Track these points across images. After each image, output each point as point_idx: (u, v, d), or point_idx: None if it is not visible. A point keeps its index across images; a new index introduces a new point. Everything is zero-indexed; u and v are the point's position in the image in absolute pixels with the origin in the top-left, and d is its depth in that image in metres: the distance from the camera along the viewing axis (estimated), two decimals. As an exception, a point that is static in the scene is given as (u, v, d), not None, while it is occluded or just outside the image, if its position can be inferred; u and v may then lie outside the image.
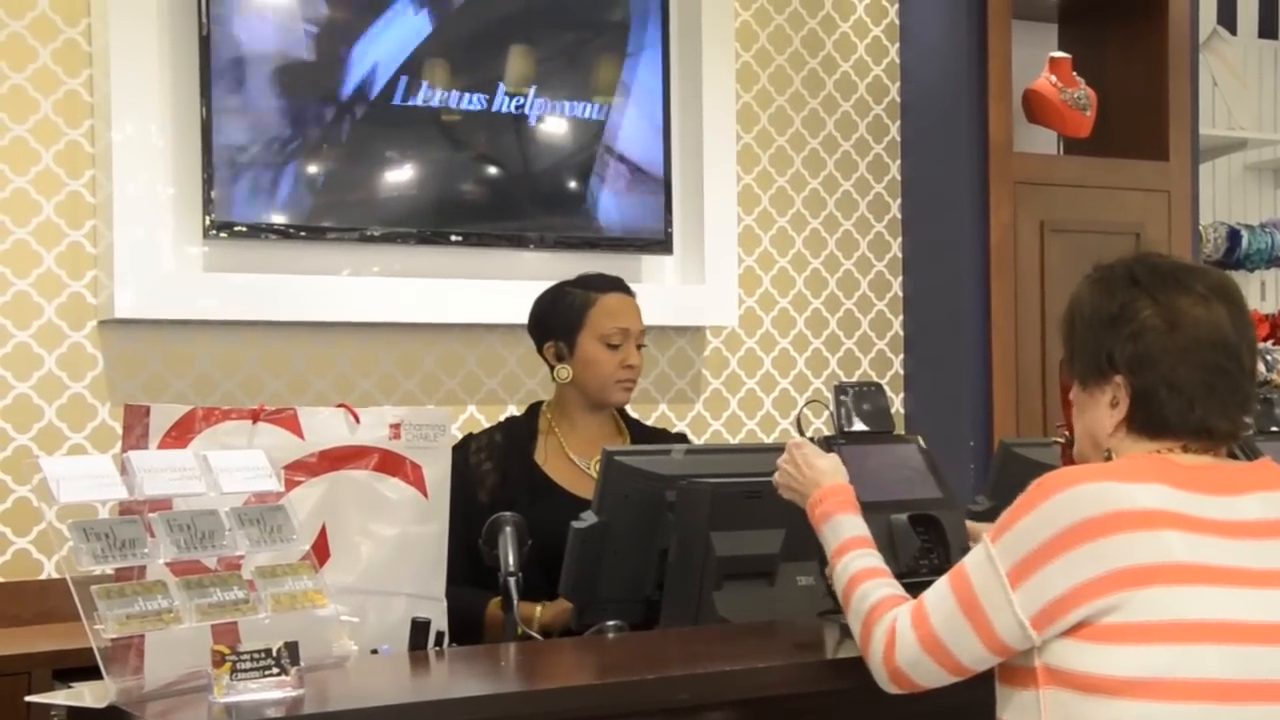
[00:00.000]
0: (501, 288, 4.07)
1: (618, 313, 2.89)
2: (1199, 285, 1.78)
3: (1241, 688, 1.64)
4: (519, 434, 2.91)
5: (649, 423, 4.24)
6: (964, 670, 1.78)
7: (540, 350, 2.96)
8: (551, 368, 2.92)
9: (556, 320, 2.91)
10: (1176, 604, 1.64)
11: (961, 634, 1.74)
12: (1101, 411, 1.81)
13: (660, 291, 4.30)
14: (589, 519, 2.46)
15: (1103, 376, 1.81)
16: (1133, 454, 1.78)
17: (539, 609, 2.57)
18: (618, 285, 2.95)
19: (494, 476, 2.82)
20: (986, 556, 1.73)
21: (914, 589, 1.92)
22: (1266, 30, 5.59)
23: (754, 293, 4.52)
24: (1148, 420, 1.78)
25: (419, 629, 2.26)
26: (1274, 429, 2.53)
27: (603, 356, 2.86)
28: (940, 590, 1.79)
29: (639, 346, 2.90)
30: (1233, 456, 1.84)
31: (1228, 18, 5.45)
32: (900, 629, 1.80)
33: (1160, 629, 1.64)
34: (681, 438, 3.15)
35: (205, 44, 3.69)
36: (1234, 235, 5.32)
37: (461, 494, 2.59)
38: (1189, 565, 1.66)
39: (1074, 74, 4.73)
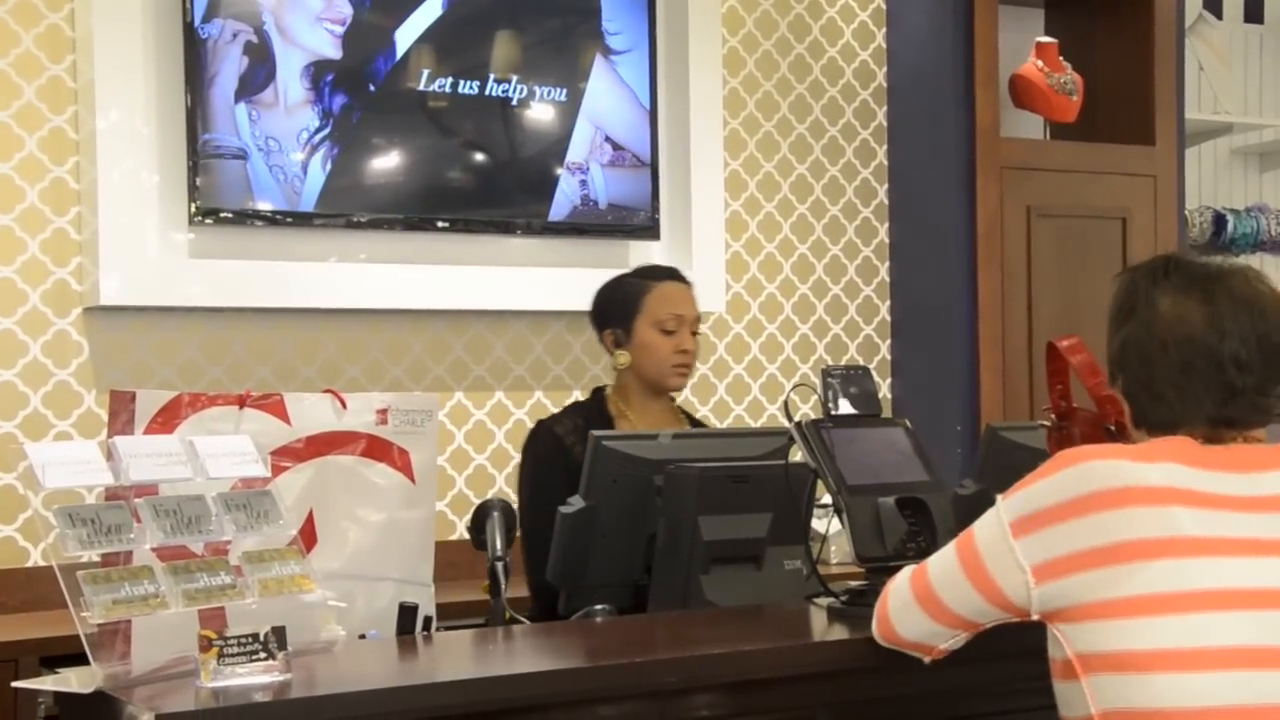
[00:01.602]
0: (489, 274, 4.06)
1: (672, 299, 3.01)
2: (1192, 285, 1.80)
3: (1271, 653, 1.65)
4: (596, 419, 2.97)
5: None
6: (952, 618, 1.81)
7: (600, 338, 3.08)
8: (611, 355, 3.04)
9: (614, 308, 3.04)
10: (1189, 575, 1.66)
11: (956, 582, 1.79)
12: (1126, 408, 1.87)
13: (647, 277, 4.30)
14: (577, 504, 2.46)
15: (1112, 378, 1.87)
16: (1157, 439, 1.81)
17: None
18: (673, 274, 3.09)
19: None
20: (994, 511, 1.78)
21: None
22: (1252, 15, 5.60)
23: (741, 278, 4.52)
24: (1136, 416, 1.83)
25: (406, 613, 2.26)
26: None
27: (657, 342, 2.97)
28: (945, 548, 1.85)
29: (694, 333, 3.02)
30: None
31: (1213, 2, 5.45)
32: (899, 580, 1.88)
33: (1176, 599, 1.65)
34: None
35: (190, 30, 3.67)
36: (1220, 219, 5.33)
37: (559, 481, 2.69)
38: (1198, 539, 1.67)
39: (1060, 59, 4.73)
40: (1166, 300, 1.79)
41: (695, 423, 3.15)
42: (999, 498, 1.79)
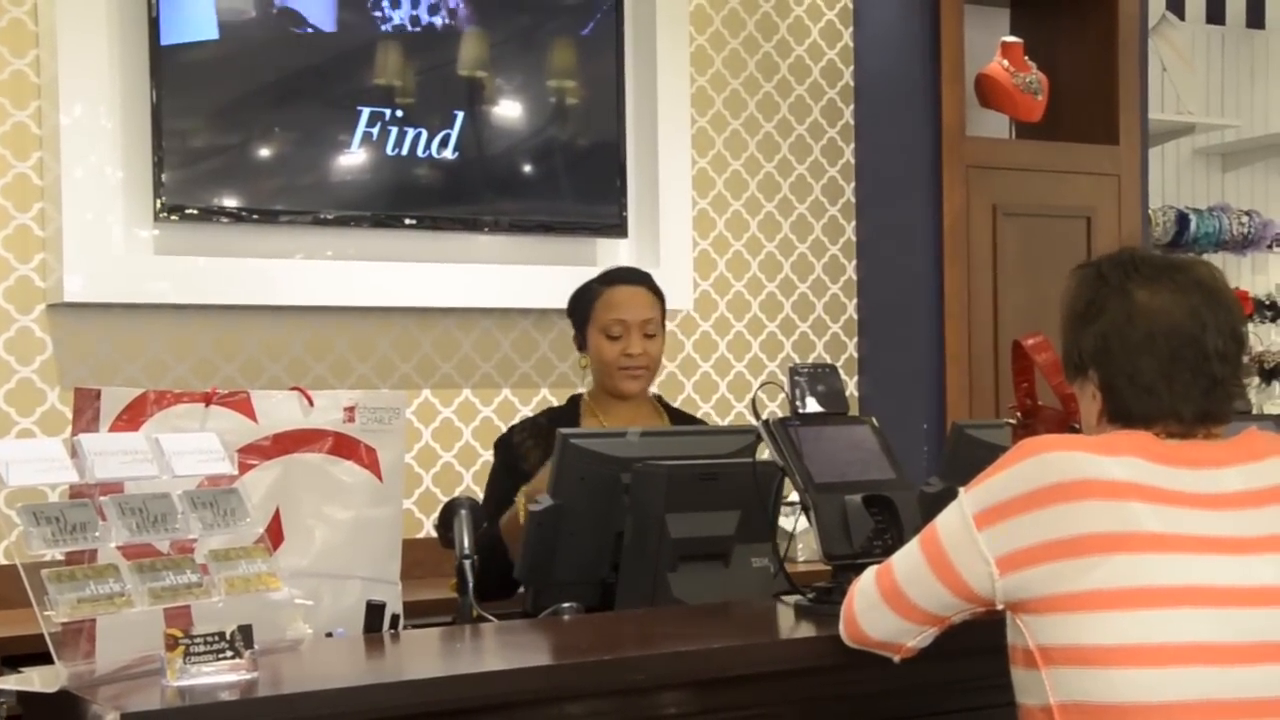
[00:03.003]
0: (456, 271, 4.05)
1: (617, 304, 3.03)
2: (1161, 276, 1.81)
3: (1228, 650, 1.66)
4: (561, 417, 3.03)
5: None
6: (919, 614, 1.81)
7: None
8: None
9: (575, 314, 3.10)
10: (1147, 570, 1.67)
11: (922, 577, 1.80)
12: (1087, 404, 1.86)
13: (615, 275, 4.30)
14: (544, 501, 2.46)
15: (1079, 371, 1.86)
16: (1117, 432, 1.81)
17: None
18: (625, 277, 3.12)
19: (536, 453, 2.92)
20: (956, 504, 1.79)
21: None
22: (1214, 15, 5.64)
23: (709, 276, 4.52)
24: (1116, 411, 1.82)
25: (374, 612, 2.26)
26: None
27: (604, 347, 3.02)
28: (908, 545, 1.85)
29: (649, 336, 3.03)
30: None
31: (1176, 3, 5.50)
32: (864, 580, 1.89)
33: (1134, 594, 1.66)
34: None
35: (154, 25, 3.65)
36: (1182, 219, 5.37)
37: (507, 473, 2.85)
38: (1158, 534, 1.68)
39: (1026, 58, 4.75)
40: (1143, 293, 1.79)
41: (678, 415, 3.16)
42: (961, 490, 1.80)
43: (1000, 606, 1.76)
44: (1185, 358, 1.77)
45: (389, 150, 3.97)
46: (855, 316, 4.77)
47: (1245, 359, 1.84)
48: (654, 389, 4.46)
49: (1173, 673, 1.65)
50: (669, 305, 4.36)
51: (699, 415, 4.47)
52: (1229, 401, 1.80)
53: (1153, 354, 1.78)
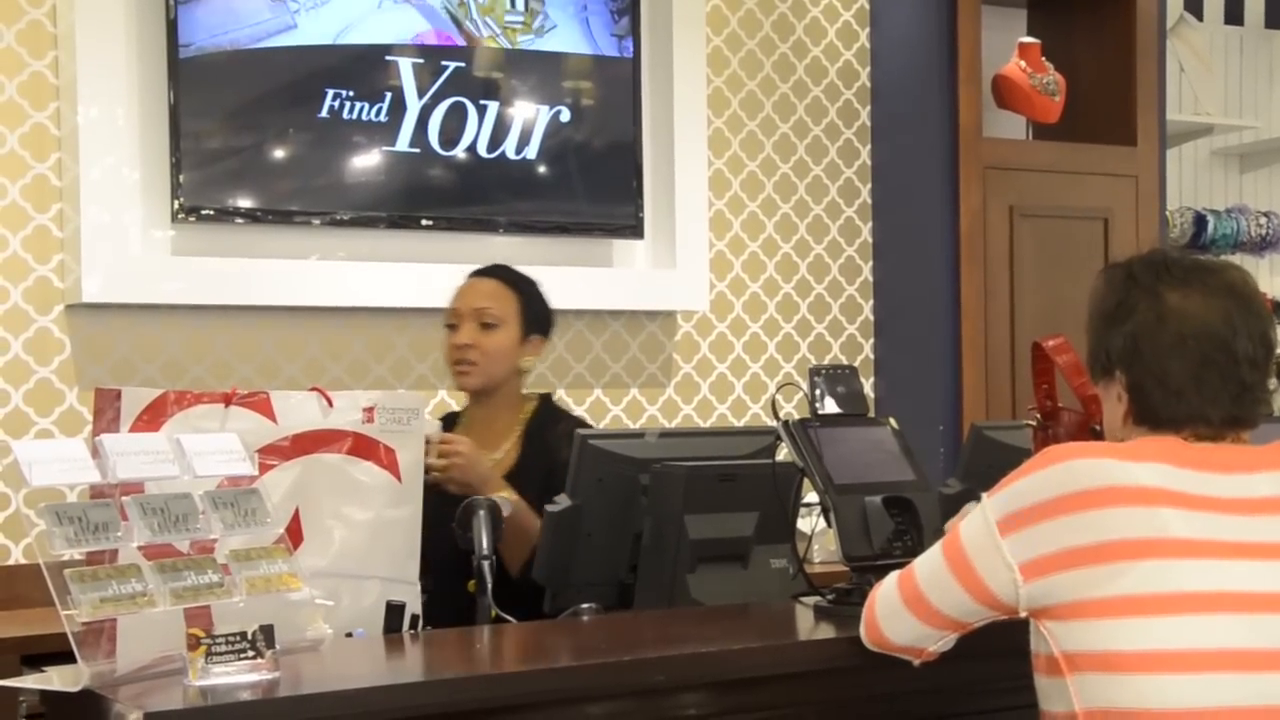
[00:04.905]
0: (472, 272, 4.05)
1: (454, 296, 2.94)
2: (1192, 279, 1.80)
3: (1258, 656, 1.66)
4: (445, 428, 2.98)
5: (619, 407, 4.24)
6: (941, 619, 1.81)
7: None
8: None
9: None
10: (1176, 576, 1.66)
11: (944, 583, 1.79)
12: (1112, 405, 1.85)
13: (631, 276, 4.30)
14: (563, 502, 2.46)
15: (1106, 372, 1.85)
16: (1144, 438, 1.80)
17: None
18: (478, 270, 2.99)
19: None
20: (979, 509, 1.78)
21: (888, 571, 1.94)
22: (1232, 16, 5.63)
23: (725, 277, 4.52)
24: (1143, 413, 1.81)
25: (393, 612, 2.26)
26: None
27: (446, 340, 2.91)
28: (931, 550, 1.85)
29: (486, 325, 2.88)
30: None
31: (1194, 4, 5.48)
32: (887, 584, 1.88)
33: (1163, 600, 1.65)
34: (580, 422, 3.04)
35: (172, 27, 3.66)
36: (1200, 220, 5.35)
37: None
38: (1187, 540, 1.68)
39: (1043, 59, 4.74)
40: (1175, 295, 1.78)
41: (548, 413, 2.95)
42: (984, 495, 1.80)
43: (1023, 614, 1.75)
44: (1216, 362, 1.76)
45: (404, 151, 3.98)
46: (871, 318, 4.77)
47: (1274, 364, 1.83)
48: (670, 389, 4.46)
49: (1201, 679, 1.64)
50: (685, 306, 4.41)
51: (714, 416, 4.47)
52: (1257, 407, 1.79)
53: (1183, 357, 1.76)
